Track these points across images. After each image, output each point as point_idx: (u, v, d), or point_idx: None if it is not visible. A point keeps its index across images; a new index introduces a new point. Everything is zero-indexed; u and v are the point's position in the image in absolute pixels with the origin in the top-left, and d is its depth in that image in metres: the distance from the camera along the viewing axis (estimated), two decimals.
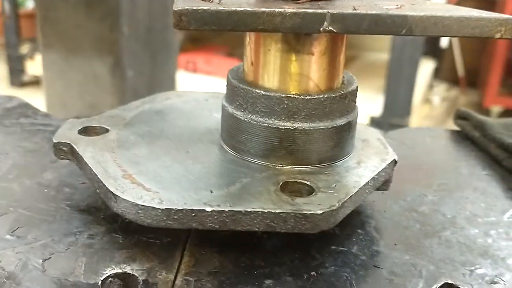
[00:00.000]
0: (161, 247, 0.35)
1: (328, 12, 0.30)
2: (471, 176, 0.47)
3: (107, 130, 0.40)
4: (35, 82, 3.07)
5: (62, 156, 0.38)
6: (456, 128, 0.57)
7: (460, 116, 0.56)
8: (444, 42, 3.31)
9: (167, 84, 1.88)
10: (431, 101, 3.34)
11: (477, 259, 0.36)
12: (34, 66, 3.07)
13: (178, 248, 0.35)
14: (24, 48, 3.59)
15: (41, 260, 0.33)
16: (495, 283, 0.33)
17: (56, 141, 0.38)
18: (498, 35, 0.33)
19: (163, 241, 0.36)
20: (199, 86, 2.84)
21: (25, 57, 3.46)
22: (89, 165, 0.35)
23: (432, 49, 3.29)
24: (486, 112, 3.16)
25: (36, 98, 1.73)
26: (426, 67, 3.24)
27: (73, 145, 0.38)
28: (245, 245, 0.36)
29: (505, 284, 0.33)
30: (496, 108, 3.12)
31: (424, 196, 0.43)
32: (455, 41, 3.30)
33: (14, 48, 3.20)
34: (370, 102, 2.90)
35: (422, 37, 2.53)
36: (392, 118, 2.62)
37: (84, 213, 0.38)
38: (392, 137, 0.54)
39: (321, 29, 0.31)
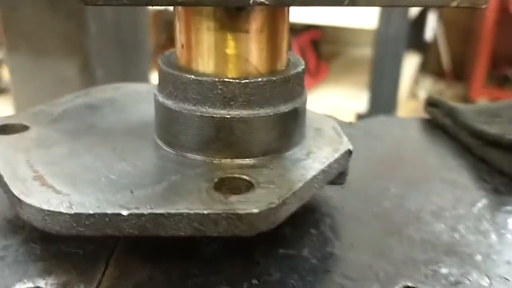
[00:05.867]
0: (84, 257, 0.31)
1: None
2: (441, 166, 0.43)
3: (27, 128, 0.36)
4: None
5: None
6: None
7: (430, 103, 0.53)
8: (429, 35, 3.28)
9: None
10: (417, 95, 3.32)
11: (441, 257, 0.32)
12: None
13: (103, 258, 0.31)
14: None
15: None
16: (460, 282, 0.29)
17: None
18: (454, 4, 0.29)
19: (86, 250, 0.31)
20: None
21: (0, 63, 3.36)
22: None
23: (417, 42, 3.26)
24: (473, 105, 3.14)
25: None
26: (411, 61, 3.21)
27: None
28: (181, 253, 0.32)
29: (471, 284, 0.29)
30: (482, 100, 3.10)
31: (387, 190, 0.39)
32: (440, 33, 3.28)
33: None
34: (355, 98, 2.86)
35: (405, 30, 2.50)
36: (378, 114, 2.58)
37: (2, 222, 0.34)
38: (357, 127, 0.50)
39: (251, 1, 0.27)
